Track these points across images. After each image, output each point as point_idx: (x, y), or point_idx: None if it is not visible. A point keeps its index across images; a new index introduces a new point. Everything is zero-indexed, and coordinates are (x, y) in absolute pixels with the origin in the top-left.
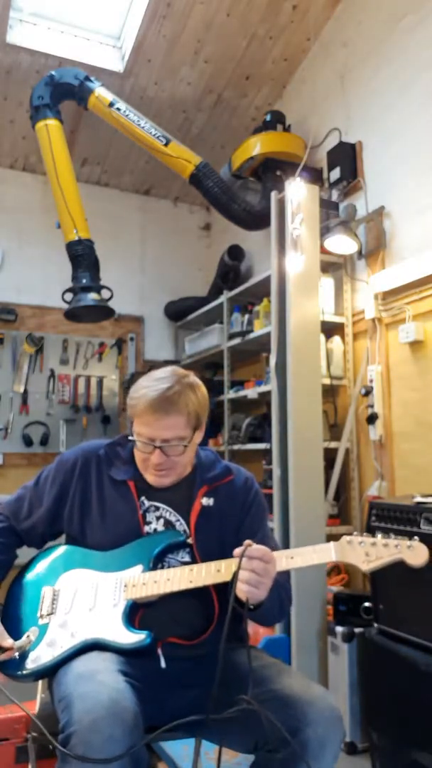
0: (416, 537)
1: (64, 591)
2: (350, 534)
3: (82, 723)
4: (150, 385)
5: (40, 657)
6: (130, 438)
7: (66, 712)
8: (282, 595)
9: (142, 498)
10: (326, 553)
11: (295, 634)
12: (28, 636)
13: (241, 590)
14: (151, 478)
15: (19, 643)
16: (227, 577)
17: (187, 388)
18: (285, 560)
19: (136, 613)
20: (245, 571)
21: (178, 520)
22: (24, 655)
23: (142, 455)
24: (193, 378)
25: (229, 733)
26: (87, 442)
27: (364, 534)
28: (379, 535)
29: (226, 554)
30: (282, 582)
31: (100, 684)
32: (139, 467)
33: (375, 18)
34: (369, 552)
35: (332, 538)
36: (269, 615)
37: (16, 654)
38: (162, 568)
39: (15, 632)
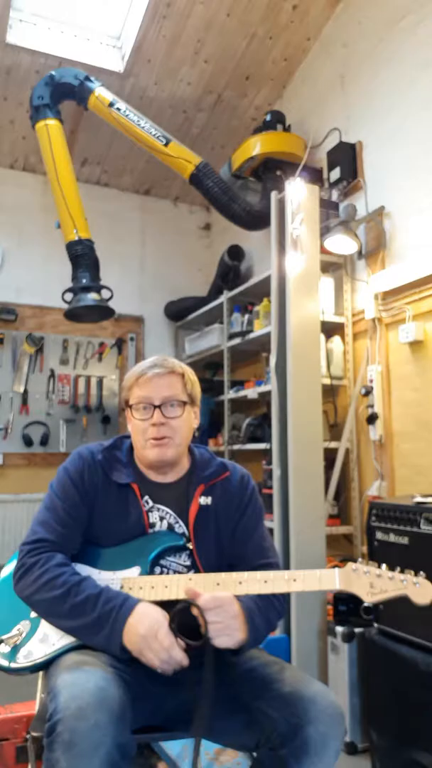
0: (422, 573)
1: None
2: (354, 561)
3: (68, 710)
4: (143, 361)
5: (32, 652)
6: (127, 436)
7: (53, 701)
8: (260, 620)
9: (146, 497)
10: (330, 581)
11: (295, 634)
12: (18, 629)
13: (220, 644)
14: (151, 452)
15: (8, 636)
16: (226, 590)
17: (176, 361)
18: (286, 583)
19: None
20: (210, 625)
21: (177, 522)
22: (15, 649)
23: (142, 425)
24: None
25: (230, 732)
26: (81, 448)
27: (370, 563)
28: (384, 566)
29: (225, 555)
30: (263, 604)
31: (87, 673)
32: (138, 447)
33: (375, 18)
34: (374, 583)
35: (332, 538)
36: (256, 642)
37: (7, 647)
38: (161, 570)
39: (4, 624)
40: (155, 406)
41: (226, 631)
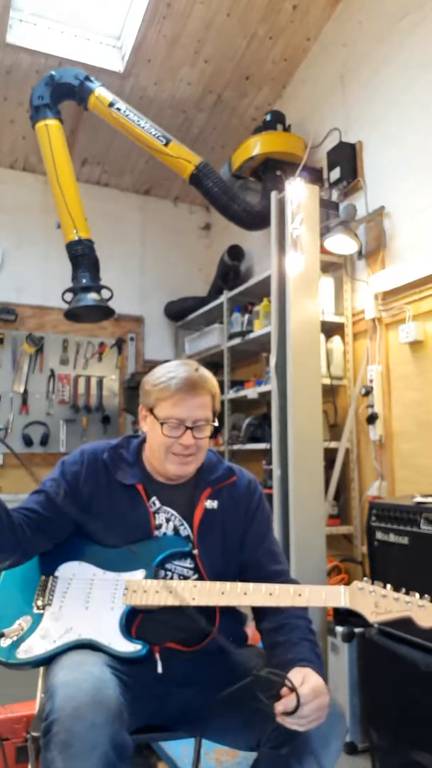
0: (427, 596)
1: (61, 582)
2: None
3: (64, 710)
4: (174, 370)
5: (32, 648)
6: (135, 436)
7: (50, 701)
8: (315, 648)
9: (153, 498)
10: (336, 598)
11: None
12: (20, 624)
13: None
14: (173, 467)
15: (9, 629)
16: (230, 600)
17: (208, 373)
18: (291, 598)
19: (134, 619)
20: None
21: (182, 524)
22: (16, 643)
23: (168, 441)
24: None
25: (231, 731)
26: (86, 445)
27: (376, 582)
28: (389, 587)
29: (229, 561)
30: (304, 625)
31: (85, 673)
32: (157, 458)
33: (375, 18)
34: (379, 603)
35: (332, 538)
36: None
37: (8, 640)
38: (165, 574)
39: (6, 617)
40: (187, 427)
41: (321, 714)
